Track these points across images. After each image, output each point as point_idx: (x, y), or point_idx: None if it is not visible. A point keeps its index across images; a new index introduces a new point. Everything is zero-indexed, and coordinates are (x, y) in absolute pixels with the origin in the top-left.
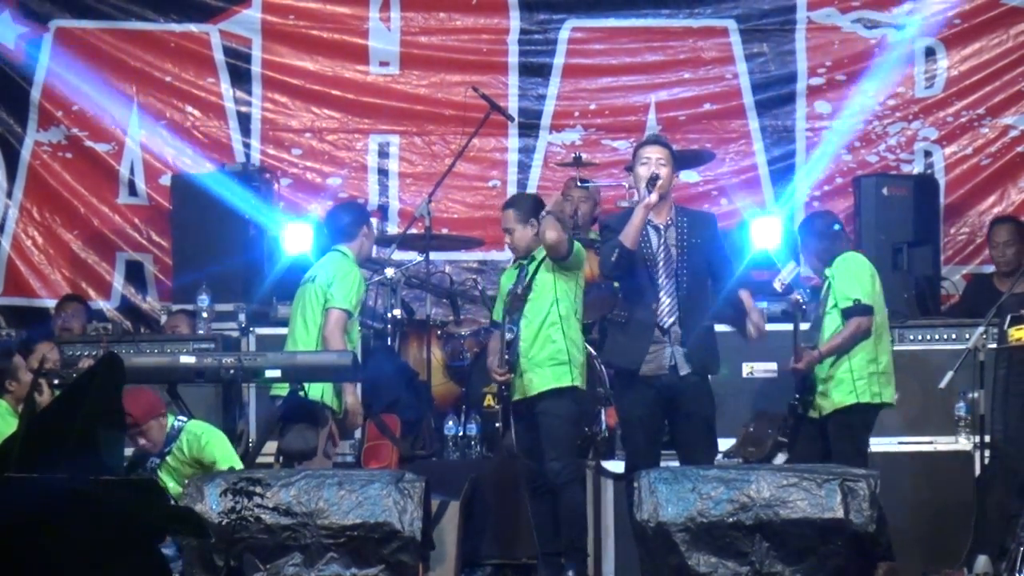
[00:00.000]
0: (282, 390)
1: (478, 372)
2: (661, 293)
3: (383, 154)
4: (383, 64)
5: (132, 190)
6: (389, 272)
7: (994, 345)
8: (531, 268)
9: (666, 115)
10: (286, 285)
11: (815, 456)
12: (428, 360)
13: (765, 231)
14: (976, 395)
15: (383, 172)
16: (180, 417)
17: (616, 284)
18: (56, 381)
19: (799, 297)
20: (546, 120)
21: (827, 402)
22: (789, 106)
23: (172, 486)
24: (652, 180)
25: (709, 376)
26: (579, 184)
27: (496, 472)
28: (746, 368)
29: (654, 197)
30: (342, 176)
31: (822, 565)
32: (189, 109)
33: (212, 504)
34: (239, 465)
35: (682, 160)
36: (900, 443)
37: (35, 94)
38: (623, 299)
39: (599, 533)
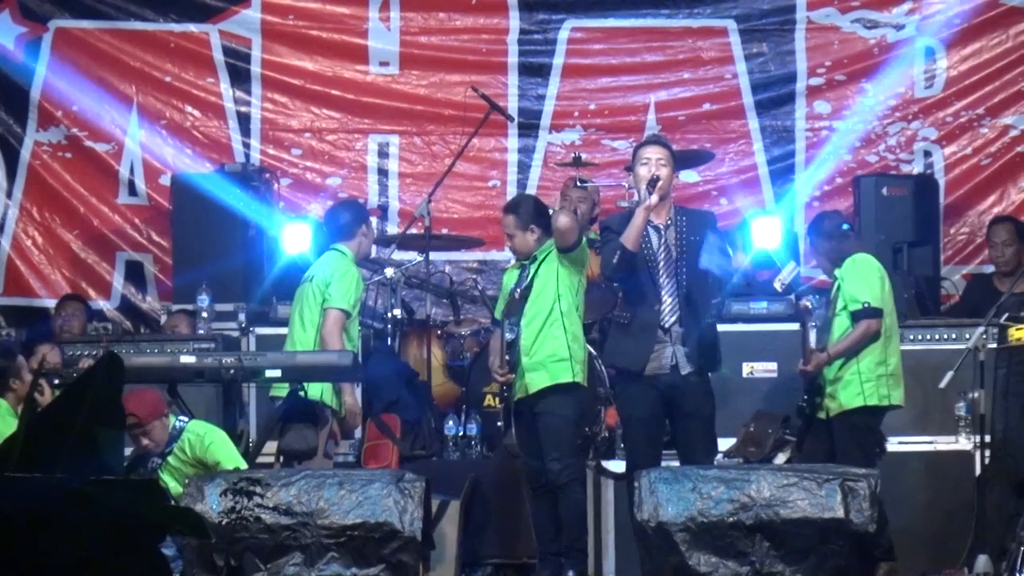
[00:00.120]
0: (282, 391)
1: (478, 372)
2: (662, 293)
3: (383, 154)
4: (383, 64)
5: (132, 190)
6: (389, 272)
7: (994, 345)
8: (532, 268)
9: (666, 115)
10: (286, 285)
11: (823, 456)
12: (428, 360)
13: (765, 231)
14: (976, 395)
15: (383, 172)
16: (182, 417)
17: (616, 285)
18: (56, 381)
19: (808, 303)
20: (546, 120)
21: (834, 403)
22: (789, 106)
23: (173, 486)
24: (652, 182)
25: (710, 375)
26: (578, 184)
27: (496, 472)
28: (746, 368)
29: (654, 199)
30: (342, 176)
31: (822, 565)
32: (189, 109)
33: (212, 504)
34: (243, 465)
35: (682, 160)
36: (900, 443)
37: (35, 94)
38: (624, 300)
39: (599, 533)
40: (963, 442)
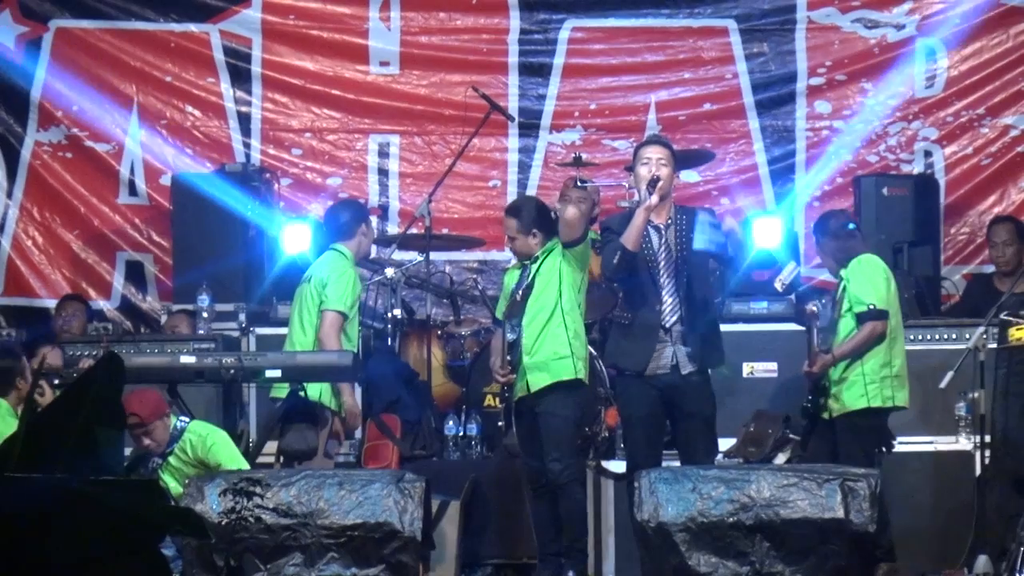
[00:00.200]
0: (282, 392)
1: (478, 372)
2: (663, 293)
3: (383, 154)
4: (383, 64)
5: (132, 190)
6: (389, 272)
7: (994, 345)
8: (533, 268)
9: (666, 115)
10: (286, 285)
11: (827, 457)
12: (428, 360)
13: (765, 231)
14: (976, 395)
15: (383, 172)
16: (183, 417)
17: (616, 285)
18: (56, 381)
19: (815, 308)
20: (546, 120)
21: (837, 404)
22: (789, 106)
23: (174, 486)
24: (652, 182)
25: (710, 373)
26: (577, 184)
27: (496, 472)
28: (746, 368)
29: (655, 199)
30: (342, 176)
31: (822, 565)
32: (189, 109)
33: (212, 504)
34: (245, 467)
35: (683, 160)
36: (900, 443)
37: (35, 94)
38: (625, 300)
39: (599, 533)
40: (963, 442)
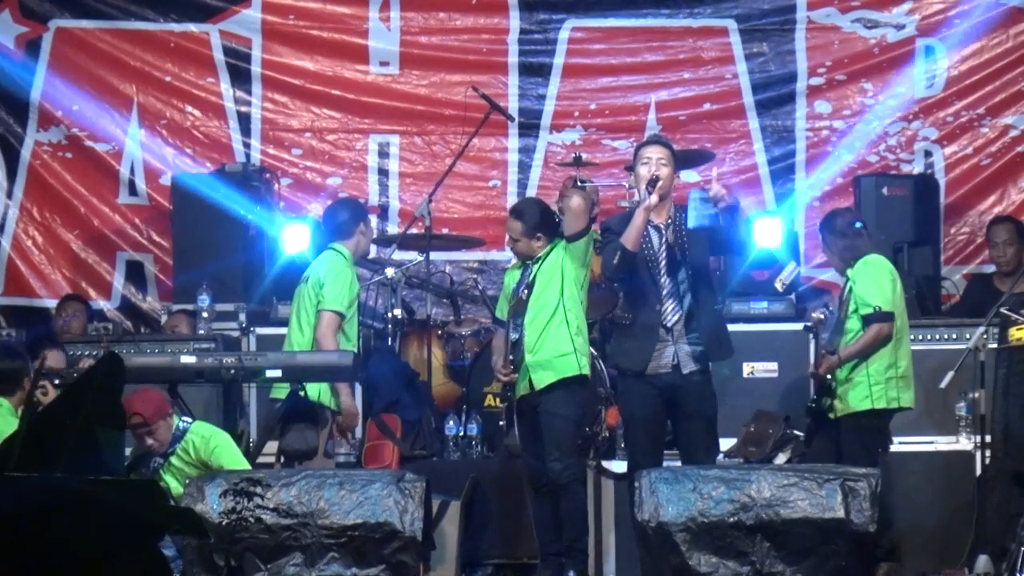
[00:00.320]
0: (281, 393)
1: (478, 372)
2: (664, 292)
3: (383, 154)
4: (383, 64)
5: (132, 190)
6: (389, 272)
7: (994, 345)
8: (535, 267)
9: (666, 115)
10: (285, 285)
11: (831, 456)
12: (428, 360)
13: (765, 231)
14: (976, 395)
15: (383, 172)
16: (185, 418)
17: (616, 285)
18: (56, 381)
19: (821, 315)
20: (546, 120)
21: (842, 405)
22: (789, 106)
23: (175, 486)
24: (652, 182)
25: (711, 373)
26: (577, 184)
27: (497, 472)
28: (746, 368)
29: (654, 199)
30: (342, 176)
31: (822, 565)
32: (189, 109)
33: (213, 504)
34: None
35: (683, 160)
36: (900, 443)
37: (35, 94)
38: (626, 301)
39: (600, 533)
40: (963, 442)
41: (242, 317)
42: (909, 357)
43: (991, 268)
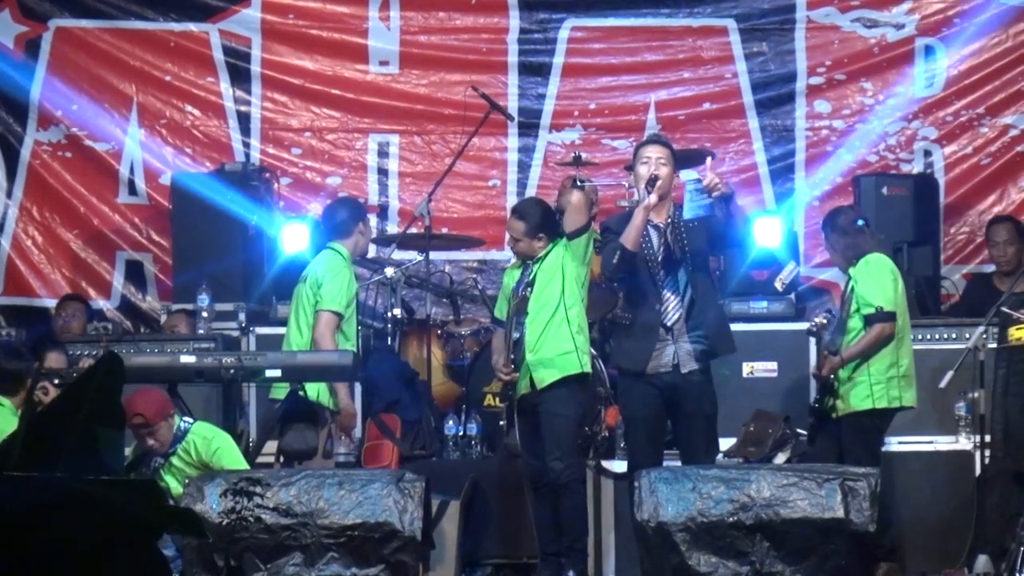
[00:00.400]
0: (280, 394)
1: (478, 371)
2: (664, 292)
3: (383, 154)
4: (383, 63)
5: (132, 189)
6: (389, 272)
7: (994, 345)
8: (535, 267)
9: (666, 114)
10: (285, 284)
11: (833, 456)
12: (428, 360)
13: (765, 231)
14: (976, 395)
15: (383, 172)
16: (186, 418)
17: (616, 285)
18: (56, 381)
19: (823, 320)
20: (546, 119)
21: (844, 404)
22: (789, 105)
23: (175, 486)
24: (651, 181)
25: (711, 372)
26: (577, 184)
27: (496, 472)
28: (746, 368)
29: (653, 198)
30: (342, 175)
31: (822, 565)
32: (189, 109)
33: (212, 504)
34: None
35: (682, 159)
36: (900, 443)
37: (35, 93)
38: (626, 300)
39: (600, 533)
40: (963, 442)
41: (242, 317)
42: (911, 356)
43: (991, 268)
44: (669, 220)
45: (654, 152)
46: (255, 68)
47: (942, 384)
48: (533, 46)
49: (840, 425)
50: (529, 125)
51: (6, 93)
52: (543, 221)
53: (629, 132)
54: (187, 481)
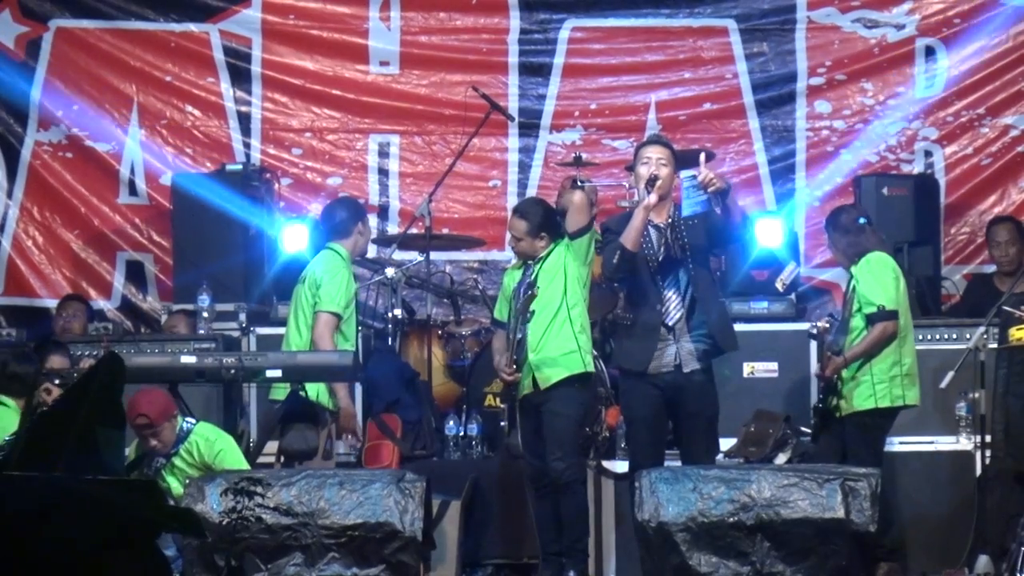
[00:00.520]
0: (280, 394)
1: (479, 372)
2: (665, 292)
3: (383, 154)
4: (383, 64)
5: (132, 190)
6: (389, 272)
7: (994, 345)
8: (536, 267)
9: (666, 115)
10: (285, 284)
11: (837, 455)
12: (429, 360)
13: (766, 231)
14: (976, 395)
15: (383, 172)
16: (188, 419)
17: (617, 285)
18: (57, 382)
19: (826, 324)
20: (546, 120)
21: (847, 404)
22: (789, 106)
23: (176, 487)
24: (651, 181)
25: (712, 372)
26: (576, 184)
27: (497, 472)
28: (746, 368)
29: (653, 198)
30: (342, 176)
31: (823, 565)
32: (189, 109)
33: (213, 504)
34: None
35: (683, 160)
36: (900, 443)
37: (35, 94)
38: (627, 301)
39: (600, 533)
40: (963, 442)
41: (242, 317)
42: (913, 354)
43: (991, 268)
44: (669, 220)
45: (654, 152)
46: (255, 68)
47: (943, 384)
48: (533, 46)
49: (844, 425)
50: (529, 125)
51: (6, 93)
52: (545, 221)
53: (629, 132)
54: (187, 481)
